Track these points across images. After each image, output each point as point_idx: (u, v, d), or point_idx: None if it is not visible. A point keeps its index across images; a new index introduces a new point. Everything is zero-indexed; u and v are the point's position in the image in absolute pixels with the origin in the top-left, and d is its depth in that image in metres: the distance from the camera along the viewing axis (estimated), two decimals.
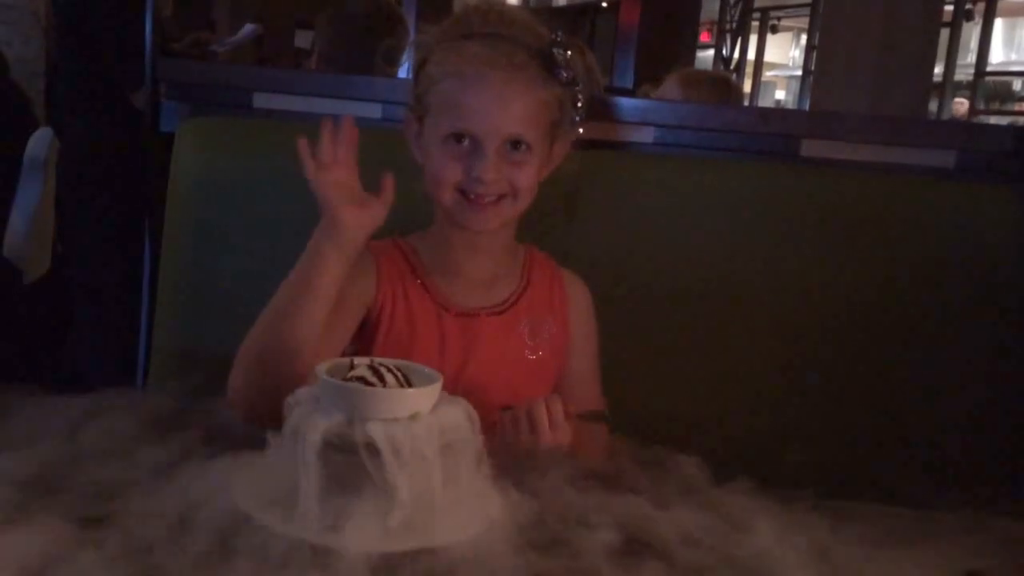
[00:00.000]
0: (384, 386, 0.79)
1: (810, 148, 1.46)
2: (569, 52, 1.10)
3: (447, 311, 1.16)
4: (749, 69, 8.54)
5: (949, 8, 6.22)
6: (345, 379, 0.80)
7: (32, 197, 3.36)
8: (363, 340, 1.15)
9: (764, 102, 9.21)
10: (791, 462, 1.32)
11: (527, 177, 1.11)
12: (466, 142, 1.09)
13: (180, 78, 1.59)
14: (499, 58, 1.07)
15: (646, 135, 1.49)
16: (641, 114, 1.49)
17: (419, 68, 1.15)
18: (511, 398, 1.13)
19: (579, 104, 1.14)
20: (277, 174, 1.46)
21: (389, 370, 0.81)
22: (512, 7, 1.16)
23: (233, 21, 10.01)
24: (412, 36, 2.30)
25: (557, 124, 1.14)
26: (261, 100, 1.56)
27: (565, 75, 1.09)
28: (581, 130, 1.18)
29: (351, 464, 0.74)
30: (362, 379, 0.80)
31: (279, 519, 0.74)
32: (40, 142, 3.33)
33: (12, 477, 0.79)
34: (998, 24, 7.56)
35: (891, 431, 1.32)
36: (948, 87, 6.86)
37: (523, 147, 1.10)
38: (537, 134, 1.11)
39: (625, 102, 1.50)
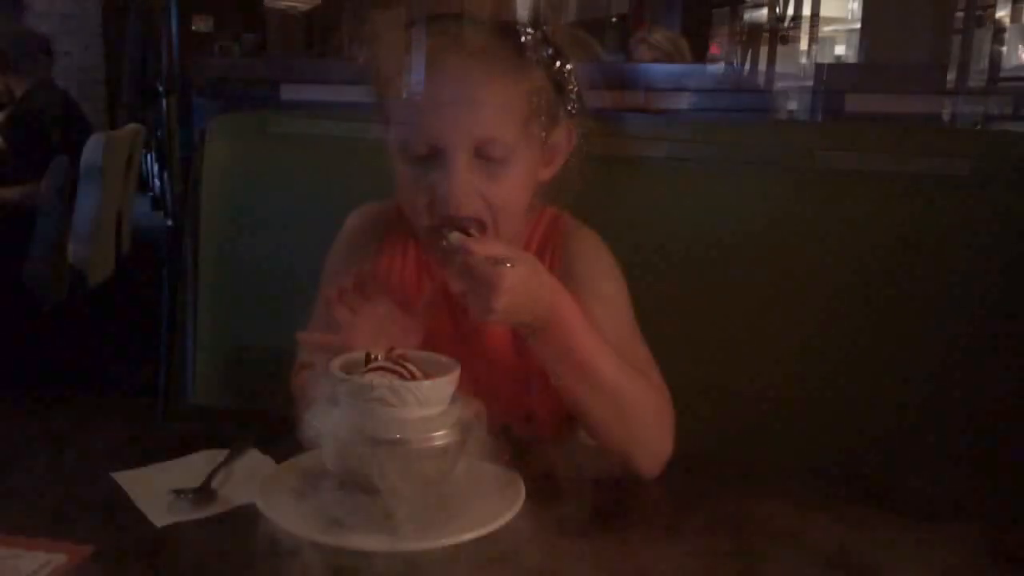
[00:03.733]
0: (401, 380, 0.77)
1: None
2: (538, 30, 0.90)
3: (445, 295, 1.00)
4: (805, 26, 8.30)
5: None
6: (362, 373, 0.78)
7: (92, 202, 3.44)
8: None
9: (823, 58, 8.94)
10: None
11: (507, 193, 0.92)
12: (426, 152, 0.91)
13: (208, 76, 1.59)
14: (456, 45, 0.88)
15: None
16: (675, 80, 1.43)
17: (371, 66, 0.97)
18: (521, 386, 1.03)
19: (572, 88, 0.94)
20: (308, 164, 1.45)
21: (405, 363, 0.79)
22: None
23: (283, 15, 10.13)
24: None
25: (547, 113, 0.94)
26: (289, 92, 1.55)
27: (533, 56, 0.90)
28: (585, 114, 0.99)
29: (367, 463, 0.72)
30: (380, 371, 0.78)
31: (300, 522, 0.72)
32: (95, 148, 3.41)
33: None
34: None
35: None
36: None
37: (499, 153, 0.90)
38: (516, 133, 0.91)
39: (657, 68, 1.45)
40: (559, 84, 0.94)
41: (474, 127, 0.89)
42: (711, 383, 1.29)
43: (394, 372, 0.78)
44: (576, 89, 0.95)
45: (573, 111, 0.96)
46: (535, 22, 0.90)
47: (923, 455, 1.26)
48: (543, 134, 0.96)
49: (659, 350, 1.14)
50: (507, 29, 0.89)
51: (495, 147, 0.90)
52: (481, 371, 0.86)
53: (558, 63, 0.92)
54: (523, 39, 0.89)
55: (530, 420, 1.05)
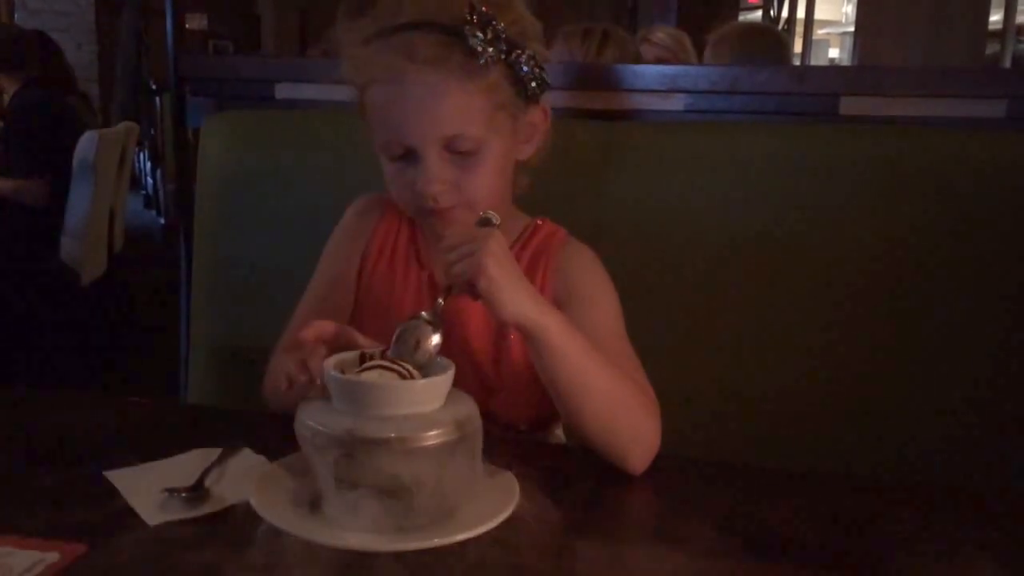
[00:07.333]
0: (395, 379, 0.77)
1: (849, 106, 1.39)
2: (487, 31, 0.95)
3: (430, 283, 1.09)
4: (799, 28, 8.32)
5: None
6: (357, 372, 0.78)
7: (84, 200, 3.42)
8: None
9: (817, 61, 8.95)
10: (839, 434, 1.27)
11: (481, 182, 1.00)
12: (403, 152, 0.99)
13: (203, 74, 1.58)
14: (412, 60, 0.95)
15: (676, 103, 1.43)
16: (670, 81, 1.43)
17: (345, 70, 1.04)
18: (496, 377, 1.06)
19: (534, 71, 0.99)
20: (303, 163, 1.45)
21: (401, 362, 0.79)
22: None
23: (278, 12, 10.12)
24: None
25: (511, 102, 1.01)
26: (283, 91, 1.55)
27: (484, 59, 0.95)
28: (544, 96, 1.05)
29: (362, 462, 0.72)
30: (375, 369, 0.78)
31: (293, 521, 0.72)
32: (88, 145, 3.40)
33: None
34: None
35: (943, 391, 1.26)
36: (1009, 33, 6.55)
37: (468, 146, 0.98)
38: (481, 127, 0.98)
39: (652, 70, 1.45)
40: (518, 74, 0.99)
41: (438, 127, 0.97)
42: (710, 383, 1.30)
43: (389, 371, 0.78)
44: (539, 71, 1.00)
45: (536, 93, 1.01)
46: (483, 25, 0.95)
47: (926, 453, 1.26)
48: (513, 119, 1.02)
49: (659, 350, 1.15)
50: (457, 35, 0.95)
51: (463, 141, 0.98)
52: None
53: (514, 55, 0.98)
54: (472, 42, 0.94)
55: (491, 420, 1.04)
